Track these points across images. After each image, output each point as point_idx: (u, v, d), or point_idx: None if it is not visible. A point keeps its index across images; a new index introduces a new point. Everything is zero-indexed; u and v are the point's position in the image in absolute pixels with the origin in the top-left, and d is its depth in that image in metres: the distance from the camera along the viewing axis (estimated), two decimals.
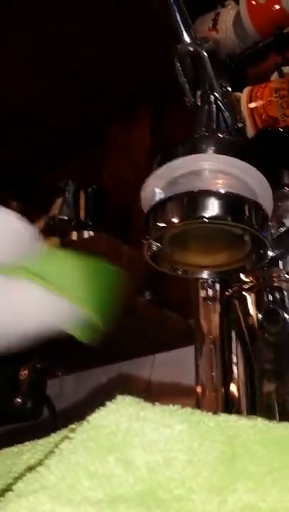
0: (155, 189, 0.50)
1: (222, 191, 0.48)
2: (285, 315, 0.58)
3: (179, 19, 0.54)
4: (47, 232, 1.13)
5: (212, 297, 0.68)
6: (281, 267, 0.60)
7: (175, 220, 0.48)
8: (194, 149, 0.50)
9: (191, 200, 0.48)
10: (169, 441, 0.26)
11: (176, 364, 0.97)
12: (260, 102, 0.90)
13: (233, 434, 0.27)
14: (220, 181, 0.49)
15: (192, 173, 0.49)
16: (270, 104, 0.89)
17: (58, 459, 0.25)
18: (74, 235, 1.04)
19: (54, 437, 0.31)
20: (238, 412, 0.57)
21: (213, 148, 0.50)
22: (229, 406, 0.59)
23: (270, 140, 0.71)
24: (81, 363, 1.07)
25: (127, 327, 0.92)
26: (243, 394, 0.58)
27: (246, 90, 0.94)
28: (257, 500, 0.25)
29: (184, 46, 0.54)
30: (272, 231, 0.58)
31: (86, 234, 1.03)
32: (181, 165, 0.49)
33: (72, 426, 0.29)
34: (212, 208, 0.47)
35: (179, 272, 0.53)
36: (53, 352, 1.03)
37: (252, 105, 0.91)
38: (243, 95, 0.93)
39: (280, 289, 0.59)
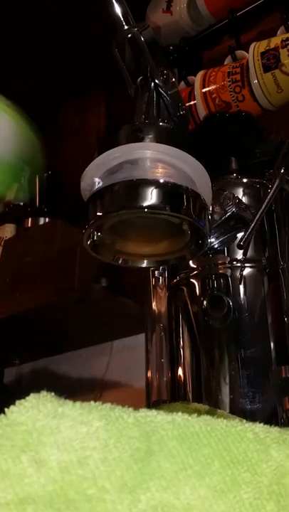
0: (94, 178, 0.50)
1: (160, 180, 0.48)
2: (230, 301, 0.58)
3: (115, 5, 0.53)
4: (2, 219, 1.12)
5: (162, 284, 0.68)
6: (226, 254, 0.60)
7: (113, 210, 0.48)
8: (133, 138, 0.50)
9: (128, 190, 0.48)
10: (84, 439, 0.26)
11: (134, 350, 0.97)
12: (213, 86, 0.90)
13: (151, 429, 0.27)
14: (158, 170, 0.48)
15: (130, 162, 0.49)
16: (222, 88, 0.89)
17: None
18: (29, 222, 1.03)
19: None
20: (185, 396, 0.58)
21: (151, 136, 0.49)
22: (176, 391, 0.60)
23: (218, 126, 0.71)
24: (39, 351, 1.06)
25: (84, 314, 0.92)
26: (189, 379, 0.59)
27: (200, 74, 0.94)
28: (170, 498, 0.25)
29: (122, 32, 0.53)
30: (216, 217, 0.58)
31: (41, 220, 1.03)
32: (119, 154, 0.49)
33: None
34: (150, 197, 0.47)
35: (120, 262, 0.52)
36: (9, 340, 1.03)
37: (205, 89, 0.91)
38: (197, 79, 0.93)
39: (224, 276, 0.59)
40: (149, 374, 0.65)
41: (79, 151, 1.14)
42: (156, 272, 0.67)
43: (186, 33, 1.03)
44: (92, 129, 1.14)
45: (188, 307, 0.61)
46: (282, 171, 0.63)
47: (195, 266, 0.62)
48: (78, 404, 0.28)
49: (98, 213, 0.49)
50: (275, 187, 0.60)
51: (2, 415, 0.27)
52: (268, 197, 0.59)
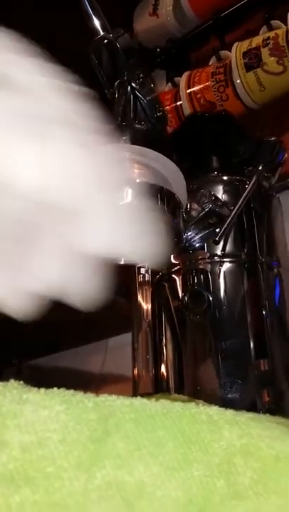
0: None
1: (135, 180, 0.50)
2: (209, 296, 0.60)
3: (91, 13, 0.55)
4: None
5: (146, 281, 0.70)
6: (205, 250, 0.62)
7: None
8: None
9: None
10: (45, 422, 0.28)
11: (128, 347, 0.99)
12: (197, 87, 0.92)
13: (109, 413, 0.29)
14: (133, 171, 0.50)
15: None
16: (207, 88, 0.91)
17: None
18: None
19: None
20: (168, 389, 0.60)
21: (127, 138, 0.52)
22: (159, 385, 0.62)
23: (199, 126, 0.73)
24: (37, 351, 1.08)
25: (78, 314, 0.94)
26: (171, 372, 0.61)
27: (185, 75, 0.95)
28: (124, 475, 0.27)
29: (98, 39, 0.55)
30: (194, 214, 0.60)
31: None
32: None
33: None
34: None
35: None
36: (7, 341, 1.05)
37: (189, 90, 0.93)
38: (182, 80, 0.95)
39: (204, 271, 0.61)
40: (135, 371, 0.67)
41: None
42: (141, 270, 0.69)
43: (173, 35, 1.05)
44: None
45: (170, 303, 0.63)
46: (260, 168, 0.65)
47: (176, 262, 0.64)
48: (42, 390, 0.30)
49: None
50: (252, 183, 0.62)
51: None
52: (245, 193, 0.61)
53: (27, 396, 0.29)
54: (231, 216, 0.58)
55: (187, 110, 0.92)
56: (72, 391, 0.30)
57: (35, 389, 0.30)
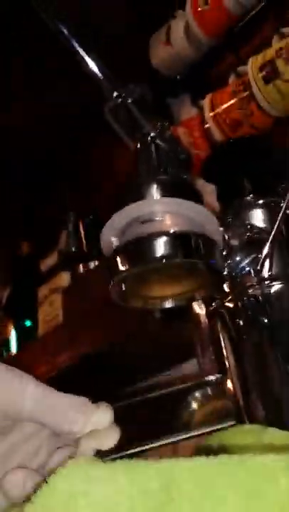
0: (110, 238, 0.55)
1: (168, 231, 0.52)
2: (264, 319, 0.61)
3: (102, 79, 0.58)
4: (57, 268, 1.19)
5: (202, 311, 0.72)
6: (252, 275, 0.63)
7: (131, 265, 0.53)
8: (137, 195, 0.54)
9: (142, 245, 0.52)
10: (113, 497, 0.31)
11: None
12: (220, 108, 0.94)
13: (170, 479, 0.31)
14: (165, 222, 0.53)
15: (139, 218, 0.53)
16: (230, 108, 0.93)
17: None
18: (80, 268, 1.10)
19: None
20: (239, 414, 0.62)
21: (154, 191, 0.54)
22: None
23: (228, 152, 0.74)
24: (111, 391, 1.12)
25: (146, 347, 0.97)
26: (240, 401, 0.62)
27: (207, 98, 0.97)
28: None
29: (112, 102, 0.58)
30: (236, 241, 0.62)
31: (92, 265, 1.09)
32: (127, 213, 0.54)
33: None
34: (161, 248, 0.52)
35: (149, 306, 0.57)
36: (78, 386, 1.09)
37: (213, 113, 0.94)
38: (205, 104, 0.97)
39: (255, 296, 0.63)
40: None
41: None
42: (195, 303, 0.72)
43: (190, 60, 1.07)
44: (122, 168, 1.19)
45: (228, 329, 0.65)
46: None
47: (228, 291, 0.65)
48: (105, 465, 0.33)
49: (120, 268, 0.54)
50: (286, 202, 0.63)
51: (45, 484, 0.32)
52: (280, 215, 0.62)
53: (94, 473, 0.32)
54: (269, 242, 0.59)
55: (216, 133, 0.94)
56: (134, 460, 0.33)
57: (100, 463, 0.33)
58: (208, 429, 0.64)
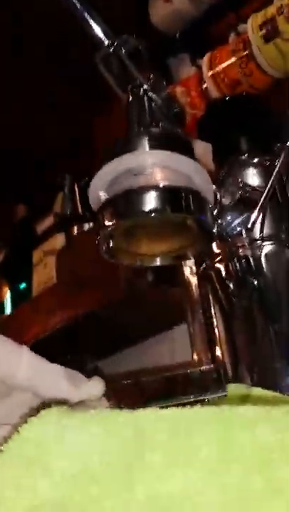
0: (99, 191, 0.54)
1: (158, 185, 0.51)
2: (253, 280, 0.60)
3: (92, 24, 0.56)
4: (52, 230, 1.18)
5: (192, 272, 0.71)
6: (244, 235, 0.62)
7: (120, 218, 0.52)
8: (128, 147, 0.53)
9: (131, 198, 0.51)
10: (86, 446, 0.30)
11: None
12: (219, 67, 0.91)
13: (144, 427, 0.31)
14: (155, 176, 0.51)
15: (129, 171, 0.52)
16: (229, 67, 0.90)
17: None
18: (75, 230, 1.08)
19: None
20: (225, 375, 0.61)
21: (145, 143, 0.53)
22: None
23: (223, 110, 0.72)
24: (100, 352, 1.12)
25: (135, 310, 0.97)
26: (227, 358, 0.62)
27: (206, 57, 0.95)
28: (164, 487, 0.29)
29: (103, 51, 0.56)
30: (225, 202, 0.61)
31: (86, 226, 1.07)
32: (117, 165, 0.52)
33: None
34: (151, 202, 0.50)
35: (137, 263, 0.56)
36: (78, 341, 1.09)
37: (212, 72, 0.92)
38: (204, 63, 0.95)
39: (245, 257, 0.62)
40: (194, 356, 0.69)
41: None
42: (186, 263, 0.71)
43: (190, 17, 1.04)
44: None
45: (218, 291, 0.64)
46: (288, 144, 0.64)
47: (218, 251, 0.64)
48: (79, 414, 0.32)
49: (108, 223, 0.52)
50: (280, 161, 0.62)
51: (16, 432, 0.32)
52: (274, 173, 0.61)
53: (67, 421, 0.31)
54: (261, 201, 0.58)
55: (213, 92, 0.92)
56: (107, 410, 0.32)
57: (72, 413, 0.32)
58: (200, 398, 0.63)
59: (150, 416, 0.32)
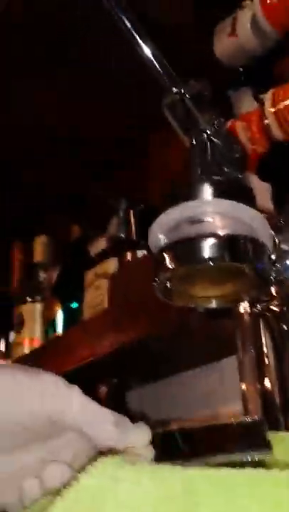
0: (159, 235, 0.55)
1: (217, 233, 0.52)
2: None
3: (161, 73, 0.57)
4: (105, 253, 1.20)
5: (247, 311, 0.72)
6: None
7: (179, 265, 0.53)
8: (190, 195, 0.54)
9: (190, 245, 0.52)
10: (139, 498, 0.31)
11: None
12: (282, 104, 0.92)
13: (196, 486, 0.32)
14: (216, 223, 0.52)
15: (189, 219, 0.53)
16: None
17: None
18: (128, 255, 1.10)
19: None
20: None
21: (207, 191, 0.54)
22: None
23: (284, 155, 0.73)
24: (149, 377, 1.13)
25: (186, 341, 0.98)
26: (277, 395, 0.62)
27: (269, 93, 0.96)
28: None
29: (170, 97, 0.58)
30: (285, 247, 0.61)
31: (140, 253, 1.09)
32: (179, 213, 0.54)
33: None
34: (209, 250, 0.51)
35: (192, 305, 0.57)
36: (126, 365, 1.10)
37: (275, 108, 0.93)
38: (267, 99, 0.95)
39: None
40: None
41: (169, 184, 1.19)
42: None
43: (255, 52, 1.05)
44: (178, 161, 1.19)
45: (272, 331, 0.65)
46: None
47: (275, 294, 0.65)
48: (132, 467, 0.33)
49: (166, 267, 0.54)
50: None
51: (75, 481, 0.33)
52: None
53: (120, 473, 0.33)
54: None
55: (275, 129, 0.92)
56: (159, 465, 0.33)
57: (127, 465, 0.34)
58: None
59: (201, 473, 0.33)
